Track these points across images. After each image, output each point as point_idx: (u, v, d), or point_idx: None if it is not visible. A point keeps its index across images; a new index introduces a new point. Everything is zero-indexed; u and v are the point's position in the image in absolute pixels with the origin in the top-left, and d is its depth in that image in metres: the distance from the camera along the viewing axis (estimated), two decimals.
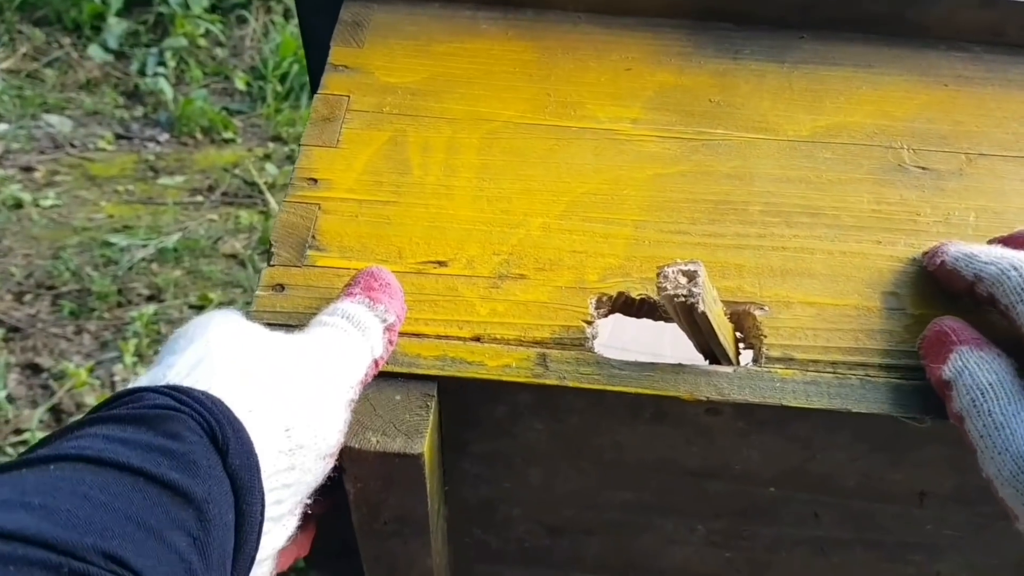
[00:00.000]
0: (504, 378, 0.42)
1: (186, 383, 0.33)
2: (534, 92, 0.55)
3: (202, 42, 2.28)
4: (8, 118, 2.03)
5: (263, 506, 0.32)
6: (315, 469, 0.36)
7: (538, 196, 0.50)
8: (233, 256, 1.78)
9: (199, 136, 2.06)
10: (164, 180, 1.93)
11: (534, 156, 0.52)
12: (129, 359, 1.55)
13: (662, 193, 0.50)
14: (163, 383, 0.33)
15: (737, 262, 0.47)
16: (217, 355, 0.34)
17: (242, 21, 2.35)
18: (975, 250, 0.44)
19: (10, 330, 1.60)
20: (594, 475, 0.47)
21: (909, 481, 0.46)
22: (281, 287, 0.45)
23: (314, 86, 0.59)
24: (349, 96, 0.54)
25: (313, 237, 0.47)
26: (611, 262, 0.47)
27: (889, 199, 0.51)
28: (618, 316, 0.47)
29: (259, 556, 0.33)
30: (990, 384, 0.38)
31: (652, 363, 0.42)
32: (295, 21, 2.28)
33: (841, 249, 0.48)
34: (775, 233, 0.48)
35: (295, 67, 2.20)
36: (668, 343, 0.80)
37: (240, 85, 2.20)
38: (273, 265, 0.46)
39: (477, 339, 0.43)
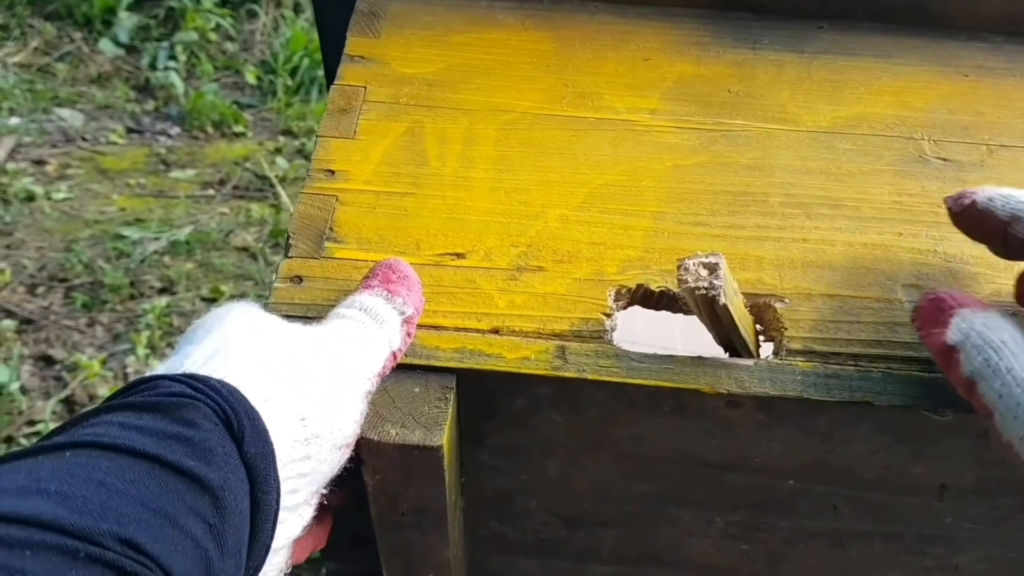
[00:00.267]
0: (523, 370, 0.42)
1: (203, 372, 0.33)
2: (551, 83, 0.55)
3: (212, 36, 2.28)
4: (20, 112, 2.03)
5: (279, 495, 0.32)
6: (331, 459, 0.36)
7: (556, 187, 0.49)
8: (244, 249, 1.78)
9: (210, 130, 2.06)
10: (176, 173, 1.94)
11: (552, 147, 0.52)
12: (141, 351, 1.56)
13: (681, 184, 0.50)
14: (179, 371, 0.33)
15: (757, 254, 0.47)
16: (234, 345, 0.34)
17: (252, 15, 2.35)
18: (1011, 191, 0.41)
19: (23, 322, 1.60)
20: (612, 467, 0.47)
21: (929, 474, 0.46)
22: (299, 279, 0.45)
23: (329, 77, 0.59)
24: (366, 87, 0.54)
25: (331, 229, 0.47)
26: (630, 254, 0.46)
27: (910, 191, 0.51)
28: (628, 308, 0.47)
29: (274, 545, 0.33)
30: (1003, 342, 0.35)
31: (672, 356, 0.42)
32: (305, 15, 2.29)
33: (862, 241, 0.48)
34: (795, 225, 0.48)
35: (305, 61, 2.20)
36: (678, 335, 0.80)
37: (251, 79, 2.20)
38: (291, 257, 0.46)
39: (496, 331, 0.43)
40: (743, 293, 0.45)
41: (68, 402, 1.49)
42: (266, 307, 0.43)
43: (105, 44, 2.23)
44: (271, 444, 0.32)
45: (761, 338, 0.45)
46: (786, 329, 0.44)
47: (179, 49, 2.21)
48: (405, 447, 0.39)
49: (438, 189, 0.49)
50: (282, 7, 2.36)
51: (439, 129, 0.52)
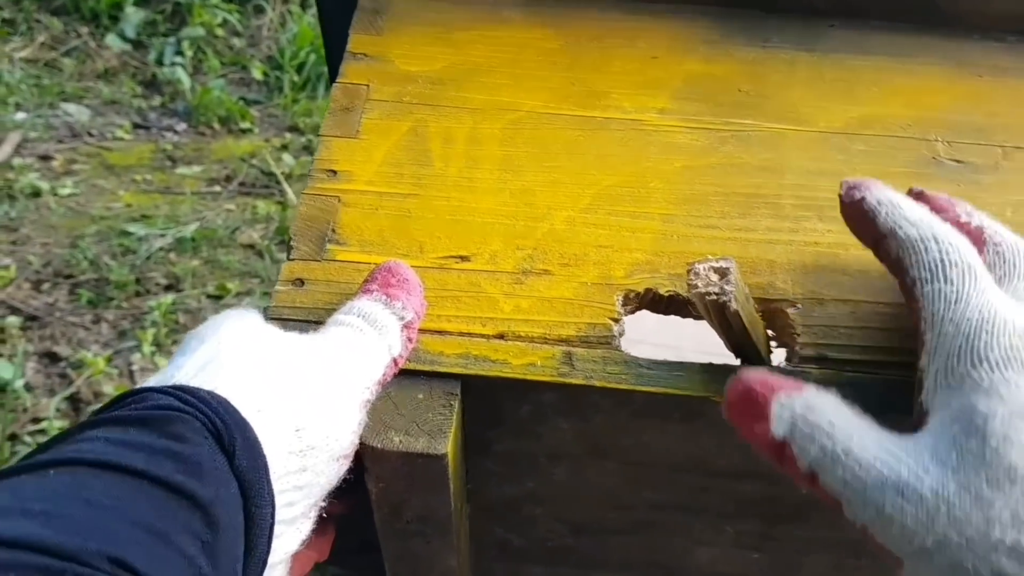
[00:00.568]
0: (529, 377, 0.41)
1: (193, 383, 0.32)
2: (558, 81, 0.54)
3: (219, 32, 2.28)
4: (26, 107, 2.03)
5: (273, 508, 0.32)
6: (328, 471, 0.35)
7: (562, 189, 0.49)
8: (250, 246, 1.78)
9: (216, 126, 2.05)
10: (182, 170, 1.93)
11: (558, 147, 0.51)
12: (147, 348, 1.55)
13: (691, 186, 0.49)
14: (170, 383, 0.32)
15: (769, 258, 0.46)
16: (226, 355, 0.33)
17: (259, 11, 2.34)
18: (902, 201, 0.39)
19: (28, 319, 1.60)
20: (620, 475, 0.46)
21: None
22: (301, 282, 0.44)
23: (332, 75, 0.58)
24: (368, 85, 0.53)
25: (333, 231, 0.46)
26: (638, 257, 0.46)
27: None
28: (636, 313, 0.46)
29: (271, 559, 0.32)
30: (831, 423, 0.32)
31: (681, 362, 0.41)
32: (312, 11, 2.28)
33: None
34: (808, 228, 0.47)
35: (312, 57, 2.19)
36: (687, 334, 0.79)
37: (257, 75, 2.19)
38: (293, 259, 0.45)
39: (501, 336, 0.42)
40: (754, 298, 0.44)
41: (73, 399, 1.49)
42: (267, 311, 0.42)
43: (112, 39, 2.23)
44: (264, 456, 0.31)
45: (773, 344, 0.44)
46: (799, 335, 0.43)
47: (186, 44, 2.21)
48: (409, 455, 0.38)
49: (442, 190, 0.48)
50: (289, 3, 2.36)
51: (443, 128, 0.51)
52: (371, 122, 0.51)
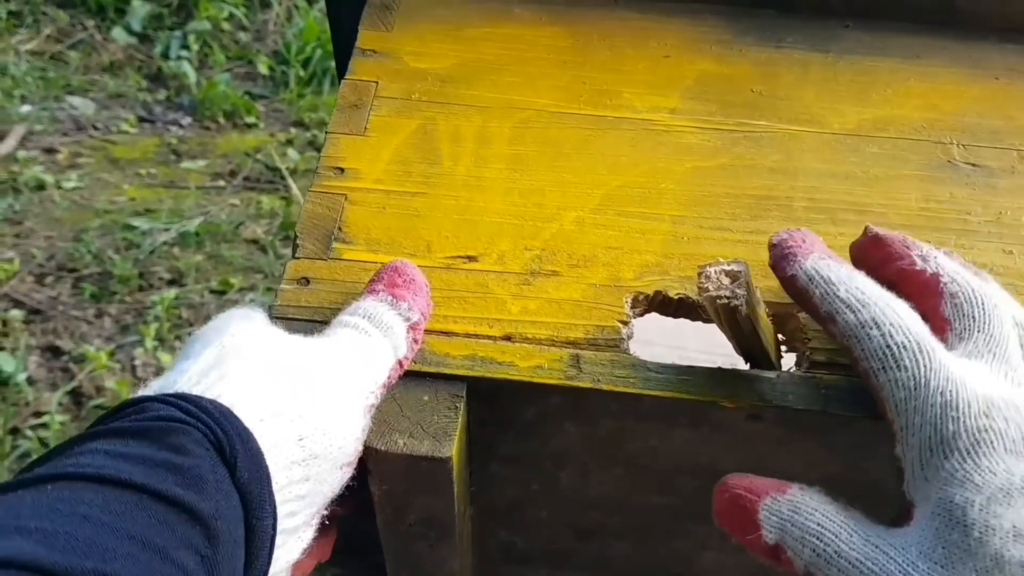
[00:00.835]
0: (536, 379, 0.40)
1: (196, 391, 0.31)
2: (568, 80, 0.54)
3: (225, 26, 2.27)
4: (31, 100, 2.03)
5: (275, 519, 0.31)
6: (331, 479, 0.34)
7: (572, 189, 0.48)
8: (254, 241, 1.77)
9: (221, 120, 2.05)
10: (186, 164, 1.93)
11: (568, 147, 0.50)
12: (150, 343, 1.55)
13: (701, 187, 0.48)
14: (173, 390, 0.31)
15: None
16: (230, 361, 0.33)
17: (266, 5, 2.34)
18: (835, 274, 0.36)
19: (31, 312, 1.60)
20: (626, 479, 0.46)
21: None
22: (306, 280, 0.43)
23: (340, 71, 0.57)
24: (377, 82, 0.53)
25: (339, 229, 0.46)
26: (648, 259, 0.45)
27: (938, 197, 0.49)
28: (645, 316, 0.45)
29: (272, 569, 0.32)
30: (819, 524, 0.33)
31: (690, 367, 0.41)
32: (319, 5, 2.27)
33: None
34: (820, 231, 0.46)
35: (318, 52, 2.18)
36: (692, 335, 0.78)
37: (263, 69, 2.19)
38: (298, 258, 0.44)
39: (508, 338, 0.42)
40: (765, 302, 0.43)
41: (75, 393, 1.49)
42: (272, 309, 0.42)
43: (118, 32, 2.22)
44: (266, 467, 0.30)
45: (783, 349, 0.43)
46: (809, 340, 0.42)
47: (192, 38, 2.20)
48: (413, 458, 0.38)
49: (450, 189, 0.48)
50: None
51: (452, 127, 0.51)
52: (379, 119, 0.51)
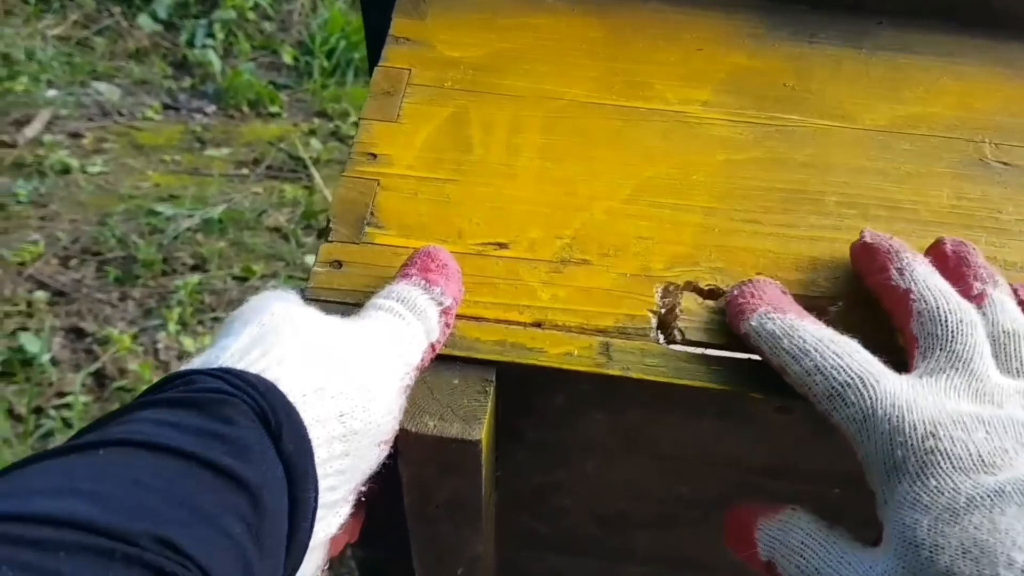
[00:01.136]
0: (565, 366, 0.41)
1: (239, 366, 0.32)
2: (601, 71, 0.54)
3: (251, 15, 2.28)
4: (58, 84, 2.04)
5: (317, 493, 0.32)
6: (369, 456, 0.35)
7: (603, 179, 0.48)
8: (277, 229, 1.78)
9: (245, 109, 2.06)
10: (210, 151, 1.94)
11: (600, 137, 0.50)
12: (172, 327, 1.56)
13: (733, 180, 0.48)
14: (216, 365, 0.32)
15: (811, 255, 0.45)
16: (272, 339, 0.33)
17: None
18: (778, 327, 0.38)
19: (56, 294, 1.61)
20: (652, 468, 0.46)
21: None
22: (339, 264, 0.44)
23: (372, 59, 0.57)
24: (410, 70, 0.53)
25: (372, 214, 0.46)
26: (678, 250, 0.45)
27: (970, 195, 0.49)
28: None
29: (312, 543, 0.32)
30: (802, 543, 0.36)
31: (720, 357, 0.41)
32: None
33: (920, 245, 0.46)
34: (851, 226, 0.46)
35: (342, 43, 2.19)
36: None
37: (287, 59, 2.20)
38: (331, 241, 0.45)
39: (538, 325, 0.42)
40: (795, 295, 0.43)
41: (98, 375, 1.50)
42: (305, 292, 0.42)
43: (144, 19, 2.24)
44: (309, 441, 0.31)
45: None
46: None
47: (217, 27, 2.21)
48: (443, 440, 0.38)
49: (482, 177, 0.48)
50: None
51: (484, 115, 0.51)
52: (412, 107, 0.51)
